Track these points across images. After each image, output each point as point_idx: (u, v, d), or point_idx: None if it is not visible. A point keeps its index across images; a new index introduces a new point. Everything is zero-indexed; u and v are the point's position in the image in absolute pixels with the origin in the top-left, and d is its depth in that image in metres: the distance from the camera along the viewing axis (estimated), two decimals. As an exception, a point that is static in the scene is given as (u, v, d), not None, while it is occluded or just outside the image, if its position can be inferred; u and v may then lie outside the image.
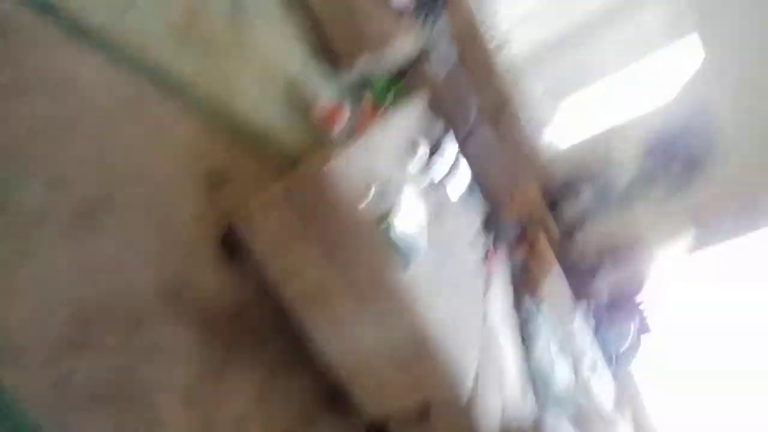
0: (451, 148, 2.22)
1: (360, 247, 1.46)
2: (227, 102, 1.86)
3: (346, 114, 2.47)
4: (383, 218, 1.45)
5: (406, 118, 2.11)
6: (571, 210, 3.99)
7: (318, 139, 2.28)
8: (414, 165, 1.86)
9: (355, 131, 2.58)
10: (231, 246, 1.57)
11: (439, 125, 2.30)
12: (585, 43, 3.82)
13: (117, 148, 1.39)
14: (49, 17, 1.32)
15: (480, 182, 2.99)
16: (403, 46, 2.74)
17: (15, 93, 1.19)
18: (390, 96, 3.03)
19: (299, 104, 2.31)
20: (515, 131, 3.74)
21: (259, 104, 2.05)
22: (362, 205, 1.42)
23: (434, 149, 2.02)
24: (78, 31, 1.39)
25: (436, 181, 2.00)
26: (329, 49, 2.66)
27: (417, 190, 1.72)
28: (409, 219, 1.52)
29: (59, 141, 1.25)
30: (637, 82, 3.83)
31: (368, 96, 2.89)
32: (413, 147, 1.89)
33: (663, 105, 3.68)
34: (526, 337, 2.43)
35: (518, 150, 3.76)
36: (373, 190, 1.46)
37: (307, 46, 2.59)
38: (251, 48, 2.14)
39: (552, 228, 3.39)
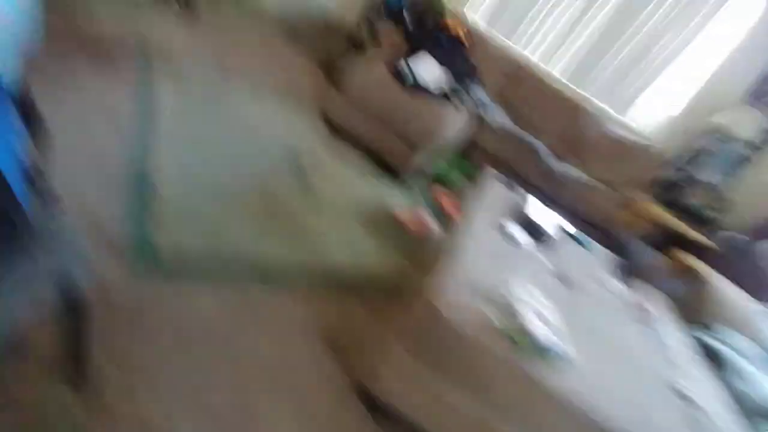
0: (540, 209, 2.10)
1: (496, 365, 1.35)
2: (323, 261, 1.95)
3: (425, 215, 2.48)
4: (509, 325, 1.34)
5: (485, 199, 2.05)
6: (700, 195, 3.52)
7: (414, 255, 2.28)
8: (515, 250, 1.76)
9: (442, 227, 2.57)
10: (372, 403, 1.55)
11: (520, 193, 2.21)
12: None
13: (243, 356, 1.47)
14: (153, 272, 1.51)
15: (587, 222, 2.79)
16: (451, 127, 2.76)
17: (141, 340, 1.33)
18: (459, 177, 3.02)
19: (383, 226, 2.36)
20: (600, 140, 3.50)
21: (351, 246, 2.12)
22: (481, 320, 1.34)
23: (525, 221, 1.91)
24: (178, 270, 1.58)
25: (543, 253, 1.87)
26: (387, 163, 2.76)
27: (530, 275, 1.60)
28: (536, 314, 1.40)
29: (197, 376, 1.36)
30: (714, 41, 3.42)
31: (439, 187, 2.91)
32: (504, 230, 1.81)
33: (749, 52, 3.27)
34: (717, 367, 2.05)
35: (613, 157, 3.49)
36: (487, 299, 1.38)
37: (367, 169, 2.72)
38: (324, 200, 2.27)
39: (690, 230, 2.97)
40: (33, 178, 1.17)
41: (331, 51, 3.78)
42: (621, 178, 3.40)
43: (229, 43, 3.20)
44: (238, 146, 2.27)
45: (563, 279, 1.76)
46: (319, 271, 1.90)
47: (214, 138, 2.22)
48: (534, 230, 1.92)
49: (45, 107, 1.30)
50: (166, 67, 2.50)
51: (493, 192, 2.15)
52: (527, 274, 1.60)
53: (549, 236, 1.94)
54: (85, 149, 1.78)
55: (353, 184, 2.53)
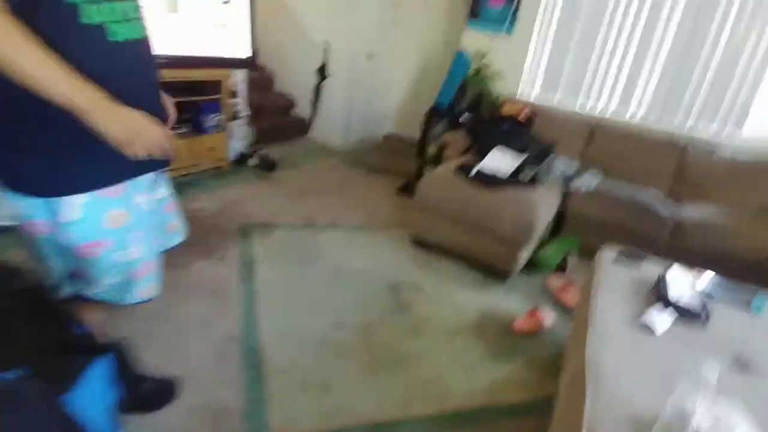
0: (678, 276, 1.78)
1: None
2: (446, 400, 1.78)
3: (545, 314, 2.23)
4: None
5: (609, 285, 1.79)
6: None
7: (544, 365, 2.02)
8: (665, 345, 1.46)
9: (567, 323, 2.29)
10: None
11: (648, 264, 1.91)
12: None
13: None
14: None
15: (744, 268, 2.30)
16: (544, 210, 2.58)
17: None
18: (571, 259, 2.75)
19: (503, 339, 2.16)
20: (722, 168, 3.05)
21: (471, 373, 1.93)
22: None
23: (665, 300, 1.61)
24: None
25: (704, 336, 1.53)
26: (491, 267, 2.61)
27: (697, 374, 1.29)
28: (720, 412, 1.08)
29: None
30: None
31: (553, 277, 2.66)
32: (644, 322, 1.52)
33: None
34: None
35: (745, 181, 2.99)
36: (648, 428, 1.11)
37: (471, 280, 2.59)
38: (433, 328, 2.15)
39: None
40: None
41: (403, 171, 3.93)
42: (763, 201, 2.87)
43: (311, 193, 3.45)
44: (337, 295, 2.29)
45: (744, 364, 1.39)
46: (444, 412, 1.72)
47: (313, 293, 2.28)
48: (680, 309, 1.60)
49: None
50: (261, 234, 2.72)
51: (615, 272, 1.88)
52: (693, 374, 1.29)
53: (703, 310, 1.60)
54: (195, 329, 1.91)
55: (460, 302, 2.39)
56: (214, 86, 3.29)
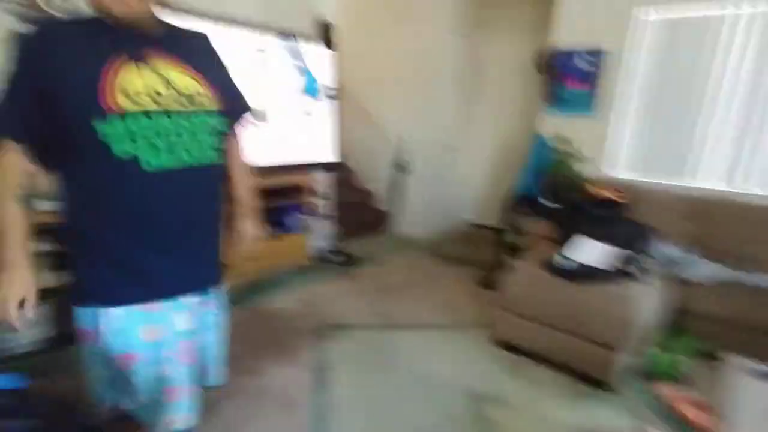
0: None
1: None
2: None
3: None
4: None
5: (746, 408, 1.42)
6: None
7: None
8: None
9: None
10: None
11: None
12: None
13: None
14: None
15: None
16: (645, 306, 2.24)
17: None
18: (687, 363, 2.31)
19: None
20: None
21: None
22: None
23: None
24: None
25: None
26: (585, 374, 2.27)
27: None
28: None
29: None
30: None
31: (665, 385, 2.22)
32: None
33: None
34: None
35: None
36: None
37: (563, 389, 2.25)
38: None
39: None
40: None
41: (484, 261, 3.74)
42: None
43: (389, 289, 3.37)
44: (414, 408, 2.08)
45: None
46: None
47: (388, 406, 2.09)
48: None
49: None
50: (338, 335, 2.65)
51: (751, 390, 1.50)
52: None
53: None
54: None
55: (553, 418, 2.04)
56: (298, 186, 3.47)
